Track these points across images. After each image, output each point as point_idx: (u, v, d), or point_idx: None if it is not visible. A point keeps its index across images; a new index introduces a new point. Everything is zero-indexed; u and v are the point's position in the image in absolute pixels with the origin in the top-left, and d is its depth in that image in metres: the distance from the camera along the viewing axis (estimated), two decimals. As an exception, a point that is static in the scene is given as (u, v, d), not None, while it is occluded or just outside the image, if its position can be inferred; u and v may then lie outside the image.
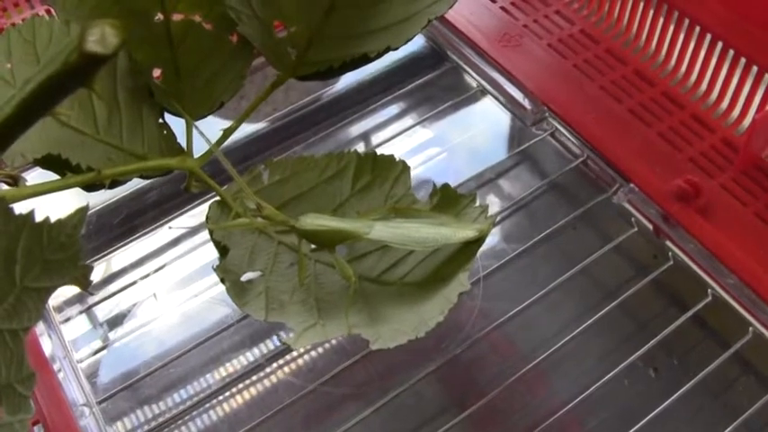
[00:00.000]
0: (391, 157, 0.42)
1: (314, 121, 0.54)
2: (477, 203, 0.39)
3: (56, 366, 0.39)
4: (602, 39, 0.52)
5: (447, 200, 0.39)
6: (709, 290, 0.42)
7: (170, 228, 0.47)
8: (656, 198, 0.43)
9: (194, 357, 0.42)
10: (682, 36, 0.49)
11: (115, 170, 0.40)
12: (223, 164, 0.40)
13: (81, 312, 0.44)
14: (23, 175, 0.45)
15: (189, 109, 0.44)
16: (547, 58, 0.51)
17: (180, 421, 0.40)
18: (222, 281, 0.39)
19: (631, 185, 0.44)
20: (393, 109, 0.54)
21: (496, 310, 0.43)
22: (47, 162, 0.39)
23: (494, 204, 0.48)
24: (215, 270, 0.39)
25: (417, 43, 0.56)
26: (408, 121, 0.53)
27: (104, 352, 0.43)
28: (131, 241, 0.48)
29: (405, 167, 0.42)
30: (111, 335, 0.43)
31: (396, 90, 0.54)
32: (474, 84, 0.53)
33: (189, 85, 0.44)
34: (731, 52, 0.47)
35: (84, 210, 0.33)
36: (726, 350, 0.40)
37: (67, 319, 0.43)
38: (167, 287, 0.46)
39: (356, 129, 0.53)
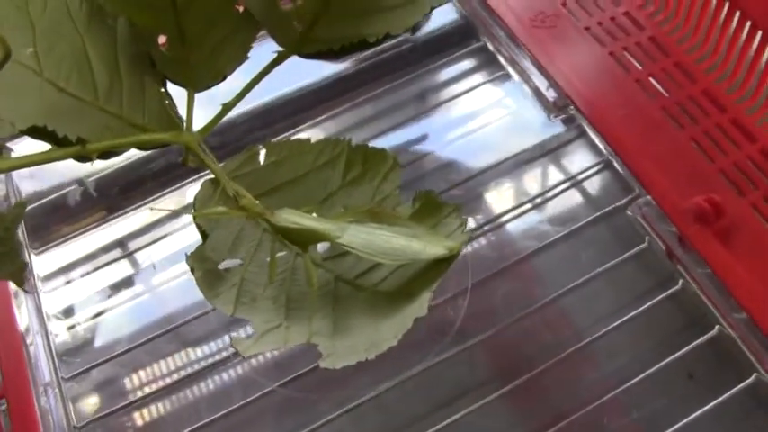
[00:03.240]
0: (383, 151, 0.40)
1: (331, 95, 0.51)
2: (457, 216, 0.36)
3: (29, 340, 0.39)
4: (646, 24, 0.47)
5: (428, 207, 0.37)
6: (716, 325, 0.38)
7: (151, 209, 0.47)
8: (672, 215, 0.39)
9: (171, 339, 0.42)
10: (732, 28, 0.44)
11: (101, 144, 0.39)
12: (200, 154, 0.39)
13: (67, 283, 0.44)
14: (17, 142, 0.45)
15: (192, 79, 0.42)
16: (581, 43, 0.46)
17: (143, 404, 0.39)
18: (192, 271, 0.38)
19: (648, 197, 0.40)
20: (415, 88, 0.51)
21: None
22: (34, 132, 0.39)
23: (497, 200, 0.45)
24: (187, 259, 0.38)
25: (449, 17, 0.53)
26: (427, 101, 0.50)
27: (84, 326, 0.42)
28: (130, 211, 0.47)
29: (395, 164, 0.39)
30: (93, 310, 0.43)
31: (422, 67, 0.51)
32: (500, 67, 0.50)
33: (194, 54, 0.42)
34: (785, 53, 0.41)
35: (22, 205, 0.32)
36: (725, 392, 0.36)
37: (53, 289, 0.43)
38: (164, 260, 0.46)
39: (374, 106, 0.51)
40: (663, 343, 0.39)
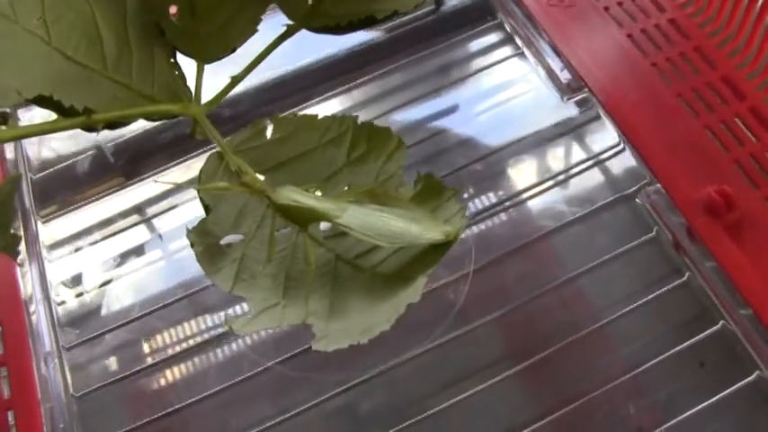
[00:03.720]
0: (387, 129, 0.39)
1: (348, 68, 0.51)
2: (457, 200, 0.35)
3: (31, 308, 0.39)
4: (668, 6, 0.45)
5: (429, 190, 0.36)
6: (721, 320, 0.37)
7: (155, 182, 0.46)
8: (681, 205, 0.38)
9: (175, 311, 0.42)
10: (756, 11, 0.42)
11: (107, 115, 0.39)
12: (207, 126, 0.39)
13: (75, 251, 0.44)
14: (27, 111, 0.45)
15: (201, 51, 0.42)
16: (600, 25, 0.45)
17: (141, 376, 0.40)
18: (192, 246, 0.38)
19: (658, 186, 0.39)
20: (432, 64, 0.50)
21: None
22: (41, 101, 0.39)
23: (513, 178, 0.45)
24: (188, 234, 0.38)
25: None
26: (443, 78, 0.49)
27: (90, 295, 0.43)
28: (141, 180, 0.47)
29: (399, 144, 0.39)
30: (99, 279, 0.43)
31: (438, 43, 0.50)
32: (517, 45, 0.49)
33: (204, 26, 0.42)
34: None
35: (15, 178, 0.32)
36: (726, 388, 0.36)
37: (60, 258, 0.44)
38: (173, 230, 0.46)
39: (389, 81, 0.50)
40: (676, 329, 0.39)
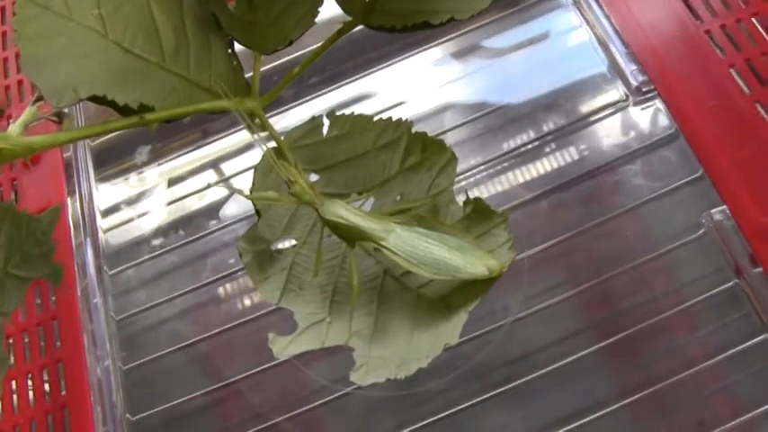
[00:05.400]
0: (441, 142, 0.38)
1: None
2: (505, 228, 0.34)
3: (85, 277, 0.40)
4: (753, 0, 0.42)
5: (477, 214, 0.35)
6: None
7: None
8: (745, 230, 0.36)
9: (213, 290, 0.43)
10: None
11: (160, 114, 0.39)
12: (265, 121, 0.39)
13: (128, 222, 0.45)
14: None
15: (259, 42, 0.42)
16: (674, 18, 0.42)
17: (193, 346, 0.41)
18: (241, 256, 0.38)
19: (723, 207, 0.37)
20: (481, 34, 0.48)
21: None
22: (96, 99, 0.39)
23: (587, 154, 0.43)
24: (237, 242, 0.38)
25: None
26: (500, 52, 0.48)
27: (142, 266, 0.44)
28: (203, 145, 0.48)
29: (452, 158, 0.38)
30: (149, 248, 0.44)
31: (498, 12, 0.48)
32: (577, 23, 0.46)
33: (261, 16, 0.41)
34: None
35: (57, 210, 0.33)
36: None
37: (112, 227, 0.45)
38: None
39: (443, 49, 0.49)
40: (752, 315, 0.37)
